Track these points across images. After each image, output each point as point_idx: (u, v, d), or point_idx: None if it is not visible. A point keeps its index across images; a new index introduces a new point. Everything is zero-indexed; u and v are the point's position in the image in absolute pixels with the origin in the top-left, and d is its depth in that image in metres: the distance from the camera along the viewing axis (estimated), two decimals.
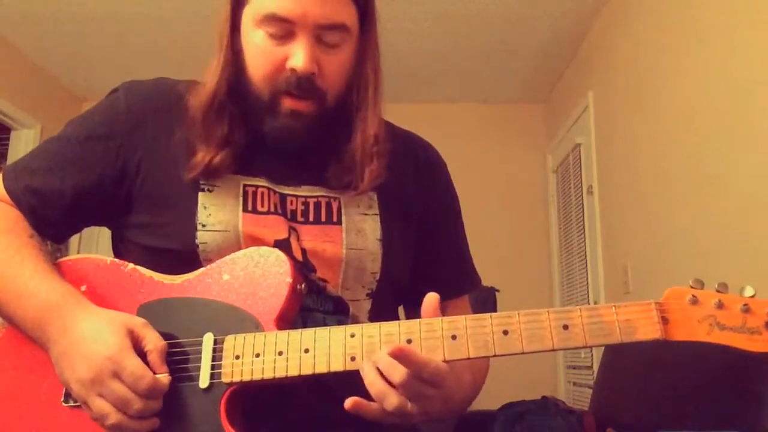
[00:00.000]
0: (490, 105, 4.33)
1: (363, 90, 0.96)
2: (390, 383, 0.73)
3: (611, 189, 3.16)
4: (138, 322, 0.82)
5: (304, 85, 0.89)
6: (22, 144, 3.88)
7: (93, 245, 3.58)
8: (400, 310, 1.08)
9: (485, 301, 2.97)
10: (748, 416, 1.32)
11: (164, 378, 0.79)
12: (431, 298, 0.79)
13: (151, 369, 0.79)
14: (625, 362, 1.98)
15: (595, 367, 2.91)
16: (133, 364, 0.77)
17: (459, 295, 1.05)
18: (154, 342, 0.80)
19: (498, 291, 3.06)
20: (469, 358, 0.76)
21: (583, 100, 3.51)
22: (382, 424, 0.77)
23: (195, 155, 0.91)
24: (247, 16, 0.92)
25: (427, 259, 1.03)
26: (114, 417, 0.77)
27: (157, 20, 3.42)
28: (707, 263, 2.15)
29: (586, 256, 3.48)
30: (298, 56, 0.88)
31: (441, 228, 1.06)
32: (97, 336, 0.79)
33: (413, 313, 1.05)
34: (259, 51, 0.91)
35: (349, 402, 0.74)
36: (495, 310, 2.13)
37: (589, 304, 3.37)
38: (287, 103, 0.90)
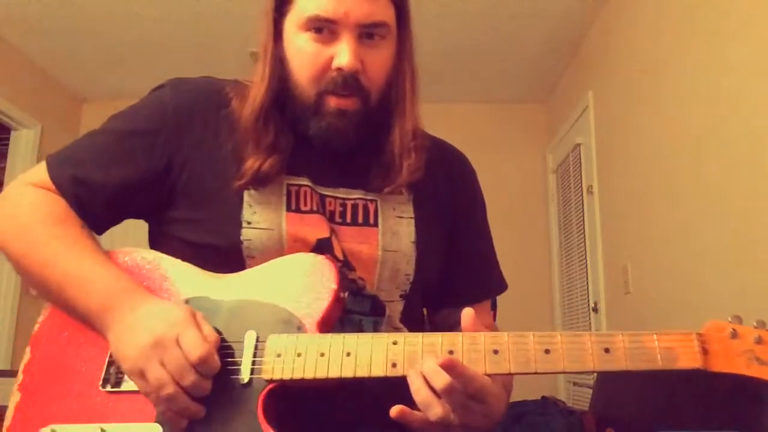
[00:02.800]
0: (490, 105, 4.34)
1: (401, 86, 0.98)
2: (435, 392, 0.74)
3: (611, 189, 3.16)
4: (200, 313, 0.83)
5: (350, 82, 0.91)
6: (22, 144, 3.89)
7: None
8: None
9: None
10: (748, 416, 1.32)
11: (217, 359, 0.79)
12: (468, 314, 0.79)
13: None
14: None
15: None
16: (194, 332, 0.78)
17: (481, 300, 1.07)
18: (208, 332, 0.81)
19: None
20: (510, 374, 0.76)
21: (583, 100, 3.51)
22: None
23: (244, 163, 0.93)
24: (290, 22, 0.94)
25: (454, 263, 1.05)
26: (170, 387, 0.77)
27: (157, 20, 3.42)
28: (707, 263, 2.15)
29: (586, 256, 3.48)
30: (344, 54, 0.90)
31: (469, 234, 1.08)
32: (163, 311, 0.82)
33: (438, 315, 1.08)
34: (304, 54, 0.93)
35: (395, 410, 0.74)
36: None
37: (589, 304, 3.38)
38: (333, 102, 0.92)
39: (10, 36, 3.64)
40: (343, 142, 0.94)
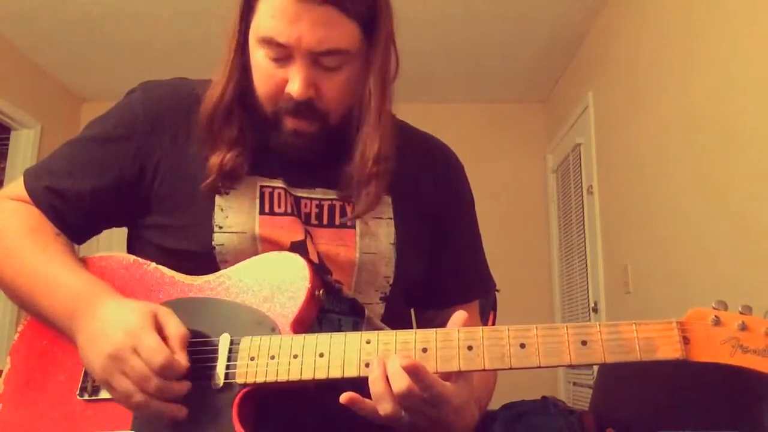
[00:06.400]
0: (490, 105, 4.33)
1: (365, 107, 0.92)
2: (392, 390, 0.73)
3: (611, 189, 3.16)
4: (163, 310, 0.82)
5: (303, 109, 0.88)
6: (22, 144, 3.88)
7: (94, 245, 3.57)
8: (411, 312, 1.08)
9: (485, 302, 2.96)
10: (748, 416, 1.32)
11: (182, 360, 0.78)
12: (459, 317, 0.79)
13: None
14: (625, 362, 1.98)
15: (595, 367, 2.92)
16: (150, 338, 0.77)
17: (468, 301, 1.04)
18: (174, 328, 0.80)
19: (498, 291, 3.06)
20: (484, 370, 0.75)
21: (583, 100, 3.51)
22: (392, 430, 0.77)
23: (208, 161, 0.91)
24: (252, 32, 0.90)
25: (439, 263, 1.02)
26: (138, 396, 0.76)
27: (157, 20, 3.42)
28: (707, 263, 2.15)
29: (586, 256, 3.48)
30: (295, 83, 0.87)
31: (455, 232, 1.04)
32: (121, 316, 0.80)
33: (423, 315, 1.05)
34: (260, 71, 0.90)
35: (345, 397, 0.74)
36: (495, 310, 2.12)
37: (589, 304, 3.38)
38: (289, 123, 0.90)
39: (10, 36, 3.64)
40: (303, 156, 0.92)
